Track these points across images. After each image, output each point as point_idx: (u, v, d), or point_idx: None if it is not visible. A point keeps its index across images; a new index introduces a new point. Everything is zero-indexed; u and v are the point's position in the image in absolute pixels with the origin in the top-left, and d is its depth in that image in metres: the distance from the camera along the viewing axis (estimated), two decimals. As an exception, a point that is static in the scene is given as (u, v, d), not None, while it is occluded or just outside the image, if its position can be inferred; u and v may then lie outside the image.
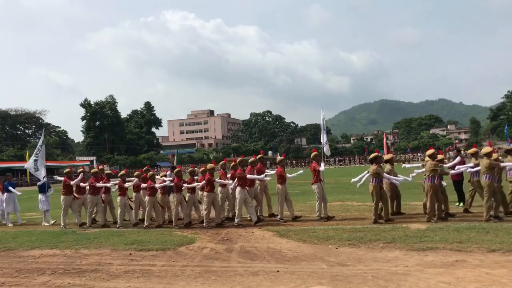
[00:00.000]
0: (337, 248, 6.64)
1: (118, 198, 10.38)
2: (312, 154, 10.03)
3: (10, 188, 12.28)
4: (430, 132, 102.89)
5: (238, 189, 9.52)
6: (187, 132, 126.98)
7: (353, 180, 10.28)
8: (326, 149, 12.13)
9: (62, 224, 10.76)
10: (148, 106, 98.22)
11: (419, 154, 64.59)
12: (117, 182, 10.72)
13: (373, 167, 8.99)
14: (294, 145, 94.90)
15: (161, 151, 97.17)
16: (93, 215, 11.13)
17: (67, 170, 11.68)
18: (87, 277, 5.88)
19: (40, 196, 11.96)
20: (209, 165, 10.00)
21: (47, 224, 11.72)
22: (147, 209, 10.10)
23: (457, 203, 10.39)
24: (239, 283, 5.18)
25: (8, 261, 7.29)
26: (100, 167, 12.61)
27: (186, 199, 10.14)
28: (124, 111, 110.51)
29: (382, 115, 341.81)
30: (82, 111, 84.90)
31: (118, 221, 10.43)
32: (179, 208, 10.23)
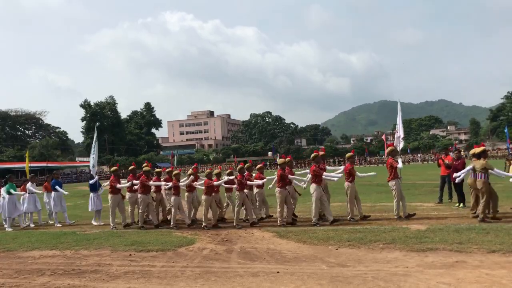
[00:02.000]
0: (337, 249, 6.63)
1: (172, 198, 9.98)
2: (389, 149, 9.61)
3: (57, 187, 11.94)
4: (430, 133, 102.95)
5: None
6: (187, 133, 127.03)
7: (455, 175, 9.33)
8: (401, 144, 11.89)
9: (112, 224, 10.36)
10: (148, 107, 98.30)
11: (419, 155, 64.66)
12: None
13: (481, 161, 8.47)
14: (294, 146, 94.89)
15: (161, 152, 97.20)
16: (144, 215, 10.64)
17: (114, 168, 11.32)
18: (87, 278, 5.88)
19: (91, 195, 11.55)
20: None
21: (96, 223, 11.31)
22: (203, 208, 9.77)
23: (457, 204, 10.39)
24: (239, 284, 5.17)
25: (8, 262, 7.28)
26: (145, 165, 12.30)
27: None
28: (123, 112, 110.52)
29: (382, 116, 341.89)
30: (81, 112, 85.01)
31: (172, 222, 10.04)
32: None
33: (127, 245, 7.91)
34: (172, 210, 10.02)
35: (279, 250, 6.81)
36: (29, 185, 12.26)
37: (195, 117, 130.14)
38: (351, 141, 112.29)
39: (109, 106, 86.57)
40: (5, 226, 11.53)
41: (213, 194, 9.75)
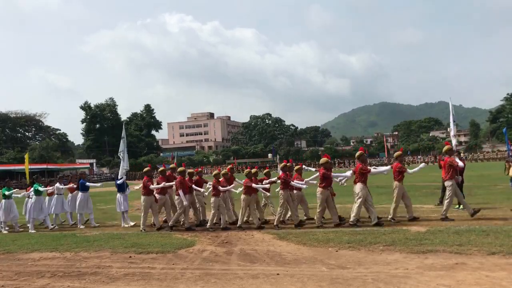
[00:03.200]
0: (337, 251, 6.63)
1: (212, 199, 9.66)
2: (446, 148, 9.40)
3: (88, 183, 11.67)
4: (430, 135, 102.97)
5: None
6: (187, 135, 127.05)
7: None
8: (454, 141, 11.80)
9: (142, 226, 10.00)
10: (148, 108, 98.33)
11: (419, 157, 64.68)
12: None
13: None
14: (294, 148, 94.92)
15: (161, 154, 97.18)
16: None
17: (146, 169, 10.79)
18: (87, 280, 5.87)
19: (118, 195, 11.19)
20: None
21: (127, 225, 10.94)
22: (244, 209, 9.70)
23: (457, 206, 10.38)
24: (239, 286, 5.17)
25: (8, 264, 7.28)
26: (172, 165, 11.58)
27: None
28: (123, 113, 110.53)
29: (382, 118, 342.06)
30: (81, 114, 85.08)
31: (209, 222, 9.70)
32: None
33: (127, 247, 7.91)
34: (212, 210, 9.62)
35: (279, 252, 6.81)
36: (57, 185, 11.94)
37: (195, 119, 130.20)
38: (351, 143, 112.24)
39: (109, 108, 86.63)
40: (29, 227, 11.27)
41: (252, 194, 9.61)
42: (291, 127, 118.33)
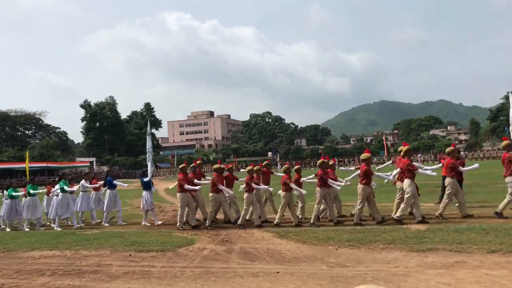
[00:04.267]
0: (337, 249, 6.63)
1: (245, 195, 9.53)
2: (504, 143, 8.87)
3: (115, 182, 11.43)
4: (430, 133, 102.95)
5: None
6: (187, 133, 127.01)
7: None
8: None
9: (179, 223, 9.87)
10: (148, 107, 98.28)
11: (419, 155, 64.64)
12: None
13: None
14: (294, 146, 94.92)
15: (161, 152, 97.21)
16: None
17: (182, 165, 10.42)
18: (87, 278, 5.88)
19: (144, 193, 10.87)
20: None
21: (148, 224, 10.71)
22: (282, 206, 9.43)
23: (457, 204, 10.37)
24: (239, 284, 5.17)
25: (8, 262, 7.28)
26: (198, 162, 11.21)
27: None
28: (123, 111, 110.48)
29: (382, 116, 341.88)
30: (81, 113, 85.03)
31: (240, 219, 9.55)
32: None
33: (127, 245, 7.91)
34: (245, 207, 9.51)
35: (279, 250, 6.81)
36: (82, 182, 11.75)
37: (195, 117, 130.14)
38: (351, 141, 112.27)
39: (109, 106, 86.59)
40: (54, 225, 11.13)
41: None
42: (291, 125, 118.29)
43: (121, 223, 11.16)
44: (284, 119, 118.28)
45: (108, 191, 11.45)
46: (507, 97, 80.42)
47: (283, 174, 9.60)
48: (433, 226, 7.90)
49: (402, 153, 9.21)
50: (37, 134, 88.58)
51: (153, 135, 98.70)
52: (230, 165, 11.15)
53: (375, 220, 8.76)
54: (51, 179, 13.84)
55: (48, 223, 12.33)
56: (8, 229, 11.65)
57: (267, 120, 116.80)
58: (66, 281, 5.83)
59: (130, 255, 7.16)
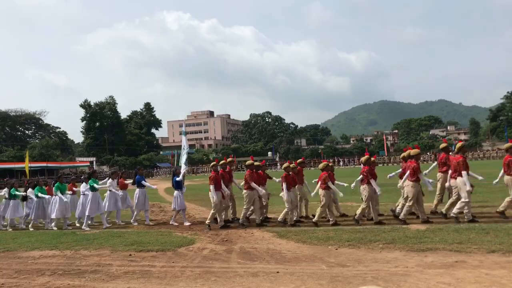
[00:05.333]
0: (336, 249, 6.63)
1: (285, 193, 9.22)
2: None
3: (144, 182, 11.08)
4: (430, 133, 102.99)
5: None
6: (186, 133, 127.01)
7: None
8: None
9: (219, 219, 9.62)
10: (148, 107, 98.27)
11: (418, 155, 64.42)
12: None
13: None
14: (294, 146, 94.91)
15: (161, 152, 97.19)
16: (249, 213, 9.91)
17: (213, 163, 10.20)
18: (87, 278, 5.88)
19: (176, 193, 10.56)
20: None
21: (175, 224, 10.41)
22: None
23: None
24: (239, 284, 5.17)
25: (8, 262, 7.28)
26: (229, 159, 11.03)
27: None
28: (122, 111, 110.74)
29: (382, 116, 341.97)
30: (81, 112, 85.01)
31: (281, 215, 9.31)
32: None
33: (127, 245, 7.91)
34: (286, 205, 9.16)
35: (279, 250, 6.81)
36: (110, 181, 11.43)
37: (195, 117, 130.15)
38: (351, 141, 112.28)
39: (109, 106, 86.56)
40: (83, 226, 10.70)
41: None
42: (291, 125, 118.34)
43: (148, 223, 10.86)
44: (284, 119, 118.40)
45: (137, 189, 11.06)
46: (507, 97, 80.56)
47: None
48: (433, 226, 7.91)
49: (456, 149, 8.99)
50: (37, 134, 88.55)
51: (153, 134, 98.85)
52: (263, 162, 10.71)
53: (421, 219, 8.52)
54: (74, 177, 13.56)
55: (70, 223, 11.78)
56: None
57: (267, 120, 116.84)
58: (66, 281, 5.83)
59: (130, 255, 7.16)
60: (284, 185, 9.12)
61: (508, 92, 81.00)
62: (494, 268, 5.11)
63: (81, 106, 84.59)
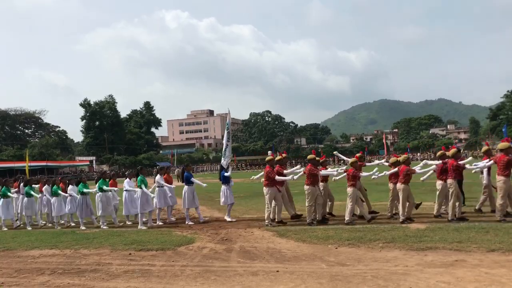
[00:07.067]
0: (336, 248, 6.64)
1: (349, 189, 8.95)
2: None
3: (193, 179, 10.68)
4: (430, 132, 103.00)
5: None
6: (186, 132, 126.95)
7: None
8: None
9: (277, 219, 9.29)
10: (148, 106, 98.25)
11: (418, 154, 64.68)
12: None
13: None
14: (294, 145, 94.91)
15: (161, 151, 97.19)
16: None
17: (269, 157, 9.77)
18: (87, 277, 5.88)
19: (223, 188, 10.40)
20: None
21: (229, 220, 10.23)
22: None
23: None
24: (238, 283, 5.17)
25: (8, 261, 7.29)
26: (284, 155, 10.57)
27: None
28: (122, 110, 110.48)
29: (381, 115, 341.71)
30: (81, 111, 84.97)
31: (348, 216, 8.86)
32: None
33: (126, 244, 7.92)
34: (350, 202, 8.90)
35: (278, 249, 6.81)
36: (158, 178, 10.98)
37: (194, 116, 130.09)
38: (351, 140, 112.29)
39: (109, 105, 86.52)
40: (139, 224, 10.31)
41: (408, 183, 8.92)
42: (290, 124, 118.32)
43: (202, 219, 10.56)
44: (284, 118, 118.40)
45: (185, 187, 10.67)
46: (507, 96, 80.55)
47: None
48: (432, 225, 7.91)
49: (498, 150, 8.78)
50: (36, 133, 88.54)
51: (152, 134, 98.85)
52: (323, 158, 10.43)
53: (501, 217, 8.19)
54: (112, 173, 12.89)
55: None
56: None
57: (267, 119, 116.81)
58: (66, 280, 5.83)
59: (130, 254, 7.16)
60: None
61: (508, 91, 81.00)
62: (494, 267, 5.11)
63: (81, 105, 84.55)
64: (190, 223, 10.31)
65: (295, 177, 9.49)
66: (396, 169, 9.05)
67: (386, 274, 5.09)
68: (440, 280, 4.75)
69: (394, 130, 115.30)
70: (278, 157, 9.97)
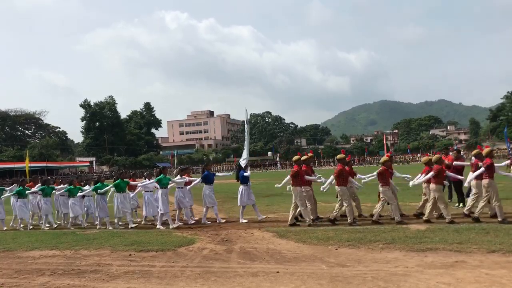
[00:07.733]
0: (336, 249, 6.63)
1: (381, 189, 8.89)
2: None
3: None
4: (430, 133, 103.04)
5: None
6: (186, 133, 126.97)
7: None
8: None
9: (308, 219, 9.04)
10: (148, 106, 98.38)
11: (418, 155, 64.66)
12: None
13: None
14: (294, 146, 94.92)
15: (161, 152, 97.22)
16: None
17: (296, 157, 9.61)
18: (87, 278, 5.88)
19: (241, 188, 10.29)
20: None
21: (245, 221, 10.03)
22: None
23: (457, 204, 10.40)
24: (238, 284, 5.17)
25: (8, 262, 7.29)
26: (310, 154, 10.40)
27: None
28: (122, 111, 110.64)
29: (381, 116, 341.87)
30: (81, 112, 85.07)
31: (375, 216, 8.80)
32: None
33: (127, 245, 7.91)
34: (388, 202, 8.82)
35: (278, 250, 6.81)
36: (177, 178, 10.75)
37: (194, 117, 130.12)
38: (351, 141, 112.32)
39: (109, 106, 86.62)
40: (172, 224, 10.08)
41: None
42: (291, 125, 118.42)
43: (220, 221, 10.42)
44: (284, 119, 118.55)
45: (204, 186, 10.59)
46: (507, 97, 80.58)
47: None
48: (433, 226, 7.91)
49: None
50: (36, 134, 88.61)
51: (153, 134, 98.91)
52: (349, 158, 10.28)
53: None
54: (131, 173, 12.71)
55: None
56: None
57: (267, 120, 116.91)
58: (66, 280, 5.83)
59: (130, 254, 7.16)
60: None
61: (508, 92, 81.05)
62: (494, 268, 5.11)
63: (81, 106, 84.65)
64: (208, 222, 10.27)
65: (325, 189, 9.27)
66: (432, 173, 8.62)
67: (386, 275, 5.09)
68: (440, 281, 4.75)
69: (394, 131, 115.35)
70: (304, 157, 9.70)
